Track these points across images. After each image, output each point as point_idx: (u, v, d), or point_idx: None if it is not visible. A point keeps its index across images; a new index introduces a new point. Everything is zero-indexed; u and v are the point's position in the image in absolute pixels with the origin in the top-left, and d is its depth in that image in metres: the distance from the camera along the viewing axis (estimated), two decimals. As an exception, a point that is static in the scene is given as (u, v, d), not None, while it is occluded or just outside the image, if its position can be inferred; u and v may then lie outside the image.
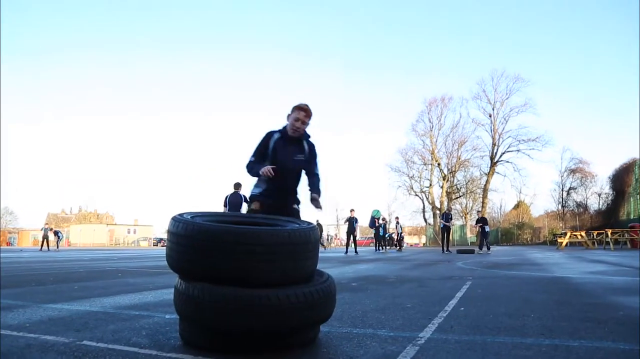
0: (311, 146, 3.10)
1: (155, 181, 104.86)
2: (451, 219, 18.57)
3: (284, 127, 3.00)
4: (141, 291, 4.44)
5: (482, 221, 17.91)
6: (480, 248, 17.05)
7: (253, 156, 2.99)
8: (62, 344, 2.12)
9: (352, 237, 17.39)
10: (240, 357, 1.90)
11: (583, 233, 21.67)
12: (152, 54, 72.91)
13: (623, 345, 2.08)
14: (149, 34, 71.50)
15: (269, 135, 2.99)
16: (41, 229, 27.45)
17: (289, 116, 2.99)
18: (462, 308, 3.22)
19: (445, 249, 17.24)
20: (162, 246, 51.60)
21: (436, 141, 44.47)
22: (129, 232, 69.21)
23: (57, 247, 28.59)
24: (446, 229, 17.92)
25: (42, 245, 25.91)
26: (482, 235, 17.64)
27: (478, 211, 23.17)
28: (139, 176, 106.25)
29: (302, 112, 2.94)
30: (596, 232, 21.29)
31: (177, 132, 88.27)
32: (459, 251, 16.55)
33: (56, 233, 29.84)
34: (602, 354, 1.94)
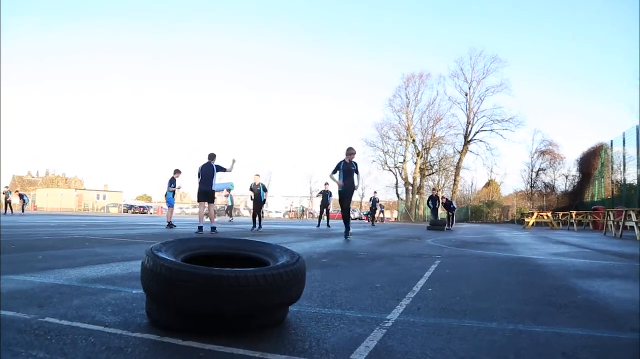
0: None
1: (128, 146, 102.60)
2: (438, 202, 18.71)
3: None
4: (109, 262, 4.35)
5: (433, 199, 18.51)
6: (446, 225, 17.63)
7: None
8: (22, 321, 2.05)
9: (325, 211, 17.51)
10: (207, 338, 1.87)
11: (549, 214, 22.40)
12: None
13: (581, 331, 2.15)
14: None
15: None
16: (2, 193, 26.25)
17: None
18: (430, 289, 3.28)
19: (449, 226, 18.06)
20: (133, 213, 50.92)
21: (412, 117, 44.78)
22: (98, 198, 68.06)
23: (22, 211, 27.86)
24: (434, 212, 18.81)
25: (5, 209, 25.17)
26: (433, 213, 18.57)
27: (433, 189, 23.53)
28: (111, 141, 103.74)
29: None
30: (561, 213, 22.00)
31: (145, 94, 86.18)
32: (429, 228, 16.87)
33: (21, 196, 29.06)
34: (562, 340, 2.00)
